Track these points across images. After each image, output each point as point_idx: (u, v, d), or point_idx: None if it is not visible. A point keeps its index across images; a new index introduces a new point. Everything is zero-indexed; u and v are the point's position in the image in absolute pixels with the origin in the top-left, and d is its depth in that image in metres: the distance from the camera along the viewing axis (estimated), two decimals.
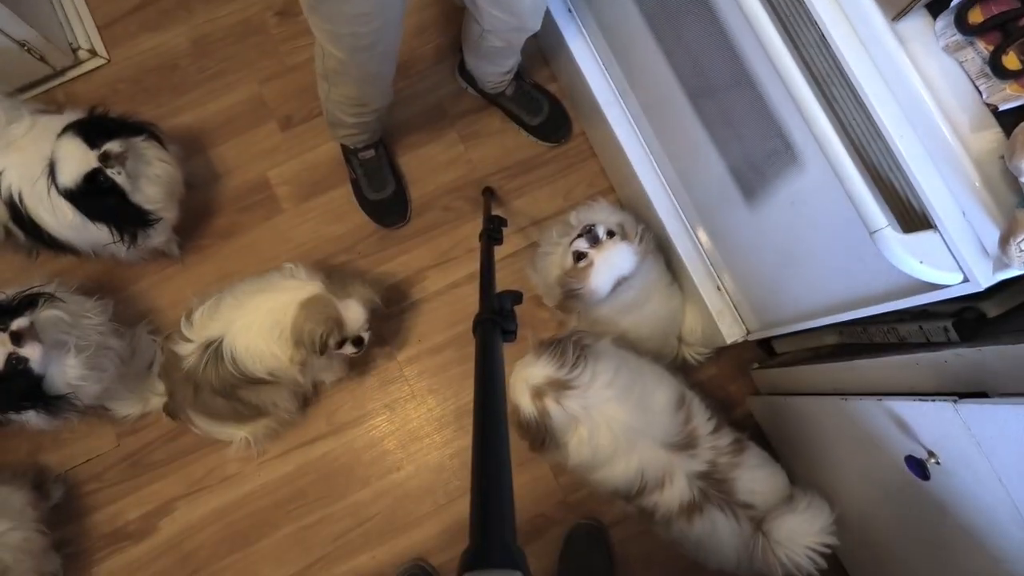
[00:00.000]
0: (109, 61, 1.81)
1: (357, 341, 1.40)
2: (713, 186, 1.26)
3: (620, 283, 1.34)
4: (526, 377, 1.16)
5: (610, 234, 1.33)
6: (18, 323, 1.23)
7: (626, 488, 1.20)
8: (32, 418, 1.36)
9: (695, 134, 1.23)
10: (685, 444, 1.19)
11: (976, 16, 0.68)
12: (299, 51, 1.82)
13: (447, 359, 1.71)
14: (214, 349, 1.33)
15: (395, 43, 1.26)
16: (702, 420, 1.24)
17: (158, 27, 1.84)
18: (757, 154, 1.07)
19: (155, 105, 1.79)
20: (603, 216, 1.42)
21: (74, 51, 1.79)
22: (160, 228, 1.50)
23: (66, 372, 1.33)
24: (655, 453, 1.17)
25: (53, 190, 1.31)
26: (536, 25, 1.35)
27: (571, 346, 1.18)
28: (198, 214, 1.73)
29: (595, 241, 1.32)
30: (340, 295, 1.34)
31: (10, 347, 1.22)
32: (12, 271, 1.67)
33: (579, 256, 1.32)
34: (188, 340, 1.37)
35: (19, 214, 1.40)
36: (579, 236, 1.33)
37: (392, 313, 1.70)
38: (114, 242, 1.43)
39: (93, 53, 1.80)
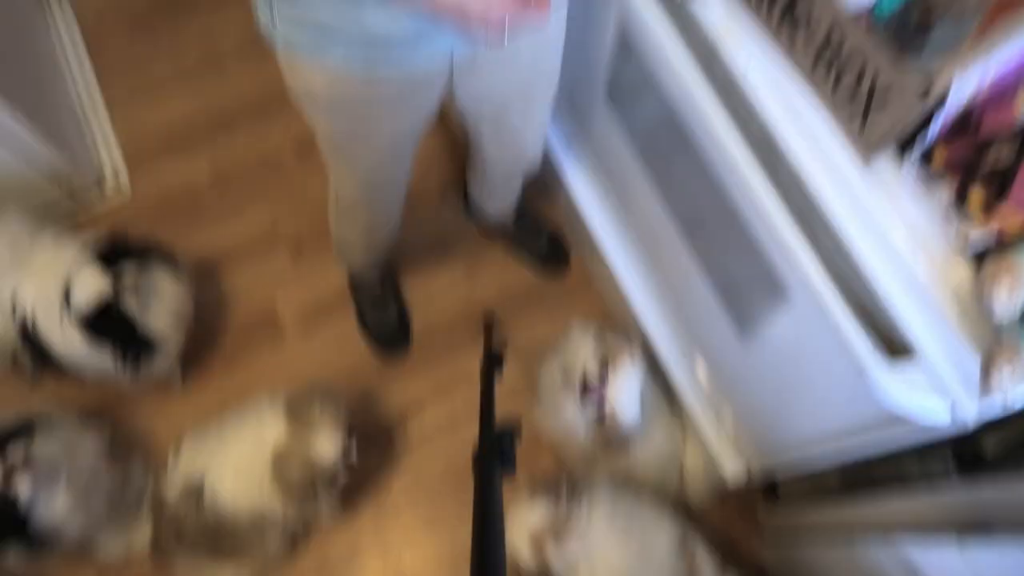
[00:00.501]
0: (132, 189, 1.91)
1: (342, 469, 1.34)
2: (707, 319, 1.28)
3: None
4: (523, 523, 1.12)
5: (603, 369, 1.33)
6: (11, 457, 1.22)
7: None
8: (12, 559, 1.31)
9: (688, 267, 1.27)
10: None
11: (940, 159, 0.73)
12: (314, 184, 1.92)
13: (445, 493, 1.66)
14: (197, 490, 1.30)
15: (406, 180, 1.34)
16: (706, 564, 1.18)
17: (182, 159, 1.96)
18: (747, 288, 1.10)
19: (172, 232, 1.86)
20: (583, 354, 1.41)
21: (100, 181, 1.89)
22: (164, 355, 1.51)
23: (54, 506, 1.28)
24: None
25: (65, 314, 1.34)
26: (536, 162, 1.43)
27: (565, 487, 1.15)
28: (203, 340, 1.75)
29: (599, 391, 1.32)
30: (309, 427, 1.30)
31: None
32: (12, 396, 1.67)
33: (599, 411, 1.33)
34: (173, 479, 1.34)
35: (29, 337, 1.43)
36: (583, 393, 1.33)
37: (389, 445, 1.67)
38: (116, 368, 1.44)
39: (117, 182, 1.90)
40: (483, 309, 1.80)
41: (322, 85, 0.95)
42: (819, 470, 1.26)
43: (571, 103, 1.57)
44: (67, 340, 1.39)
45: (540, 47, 1.07)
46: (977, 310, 0.68)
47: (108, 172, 1.91)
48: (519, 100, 1.16)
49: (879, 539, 1.00)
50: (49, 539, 1.30)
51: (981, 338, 0.68)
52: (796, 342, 1.02)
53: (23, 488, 1.21)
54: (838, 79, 0.75)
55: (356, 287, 1.77)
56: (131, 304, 1.36)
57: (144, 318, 1.41)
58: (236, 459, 1.29)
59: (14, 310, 1.41)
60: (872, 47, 0.67)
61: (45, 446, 1.31)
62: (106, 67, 2.09)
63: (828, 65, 0.75)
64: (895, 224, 0.74)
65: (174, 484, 1.33)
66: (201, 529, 1.32)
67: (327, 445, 1.28)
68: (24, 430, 1.30)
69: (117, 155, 1.94)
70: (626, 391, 1.32)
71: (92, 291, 1.33)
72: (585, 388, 1.33)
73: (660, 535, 1.18)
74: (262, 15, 0.89)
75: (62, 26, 2.10)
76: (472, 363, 1.73)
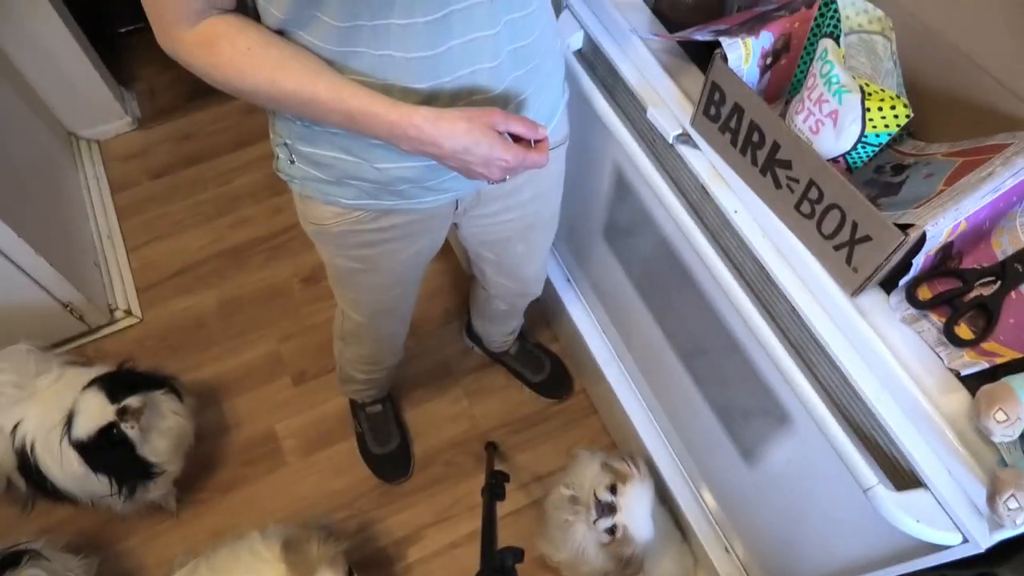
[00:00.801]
0: (141, 320, 1.96)
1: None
2: (712, 445, 1.29)
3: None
4: None
5: (612, 490, 1.32)
6: None
7: None
8: None
9: (690, 394, 1.29)
10: None
11: (924, 294, 0.77)
12: (319, 312, 1.97)
13: None
14: None
15: (411, 307, 1.38)
16: None
17: (191, 291, 2.02)
18: (749, 415, 1.11)
19: (178, 360, 1.89)
20: (591, 476, 1.40)
21: (111, 311, 1.94)
22: (161, 481, 1.50)
23: None
24: None
25: (65, 441, 1.34)
26: (538, 291, 1.48)
27: None
28: (201, 466, 1.73)
29: (611, 509, 1.31)
30: (307, 567, 1.25)
31: None
32: (3, 524, 1.63)
33: (611, 531, 1.31)
34: None
35: (26, 463, 1.42)
36: (597, 518, 1.32)
37: (389, 574, 1.62)
38: (111, 495, 1.42)
39: (128, 313, 1.95)
40: (485, 435, 1.80)
41: (333, 222, 0.99)
42: None
43: (571, 237, 1.65)
44: (64, 466, 1.38)
45: (541, 185, 1.13)
46: (979, 436, 0.70)
47: (120, 302, 1.97)
48: (521, 234, 1.22)
49: None
50: None
51: (985, 464, 0.69)
52: (802, 468, 1.02)
53: None
54: (820, 223, 0.81)
55: (357, 413, 1.77)
56: (132, 432, 1.37)
57: (144, 445, 1.41)
58: None
59: (14, 436, 1.41)
60: (849, 196, 0.73)
61: (32, 574, 1.27)
62: (127, 205, 2.20)
63: (811, 211, 0.81)
64: (889, 353, 0.77)
65: None
66: None
67: None
68: (11, 561, 1.27)
69: (130, 286, 2.01)
70: (637, 508, 1.32)
71: (94, 419, 1.34)
72: (599, 507, 1.32)
73: None
74: (280, 154, 0.95)
75: (89, 169, 2.24)
76: (474, 489, 1.73)
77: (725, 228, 0.95)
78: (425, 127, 0.74)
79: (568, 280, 1.72)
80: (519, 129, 0.79)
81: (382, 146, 0.82)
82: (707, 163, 0.95)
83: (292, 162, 0.93)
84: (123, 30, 2.55)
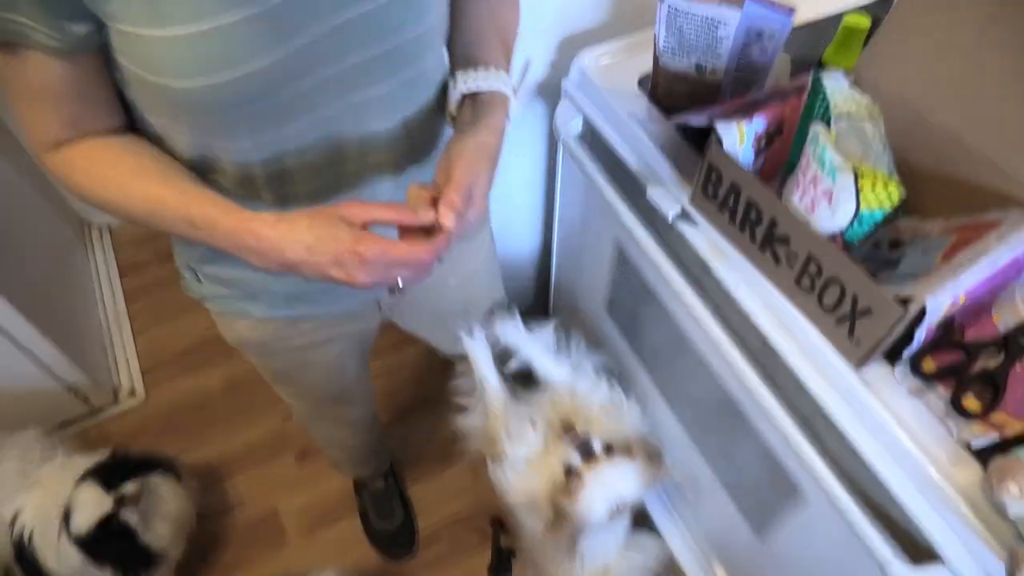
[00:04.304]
0: (146, 400, 1.95)
1: None
2: (722, 521, 1.27)
3: (620, 510, 1.15)
4: None
5: (608, 449, 1.15)
6: None
7: None
8: None
9: (699, 469, 1.28)
10: None
11: (929, 365, 0.78)
12: None
13: None
14: None
15: (364, 392, 1.36)
16: None
17: (197, 370, 2.02)
18: (760, 488, 1.10)
19: (181, 440, 1.88)
20: (604, 423, 1.21)
21: (115, 393, 1.94)
22: (163, 567, 1.47)
23: None
24: None
25: (63, 536, 1.32)
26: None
27: None
28: (203, 547, 1.70)
29: (589, 455, 1.13)
30: None
31: None
32: None
33: (569, 471, 1.13)
34: None
35: (24, 553, 1.39)
36: (572, 447, 1.14)
37: None
38: None
39: (132, 394, 1.95)
40: (490, 509, 1.77)
41: (251, 334, 0.99)
42: None
43: (574, 314, 1.67)
44: (62, 558, 1.36)
45: (467, 266, 1.09)
46: (993, 509, 0.70)
47: (125, 383, 1.97)
48: (459, 317, 1.18)
49: None
50: None
51: (1002, 539, 0.69)
52: (816, 544, 1.01)
53: None
54: (821, 296, 0.82)
55: (360, 490, 1.76)
56: (132, 519, 1.35)
57: (145, 532, 1.39)
58: None
59: (13, 527, 1.39)
60: (848, 270, 0.75)
61: None
62: (135, 288, 2.23)
63: (811, 285, 0.83)
64: (897, 425, 0.77)
65: None
66: None
67: None
68: None
69: (135, 367, 2.01)
70: (608, 484, 1.13)
71: (91, 512, 1.32)
72: (580, 445, 1.14)
73: None
74: (186, 275, 0.93)
75: (99, 254, 2.29)
76: (479, 565, 1.69)
77: (727, 303, 0.97)
78: (263, 231, 0.65)
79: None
80: (388, 216, 0.67)
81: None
82: (707, 240, 0.98)
83: (200, 281, 0.92)
84: None
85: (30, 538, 1.38)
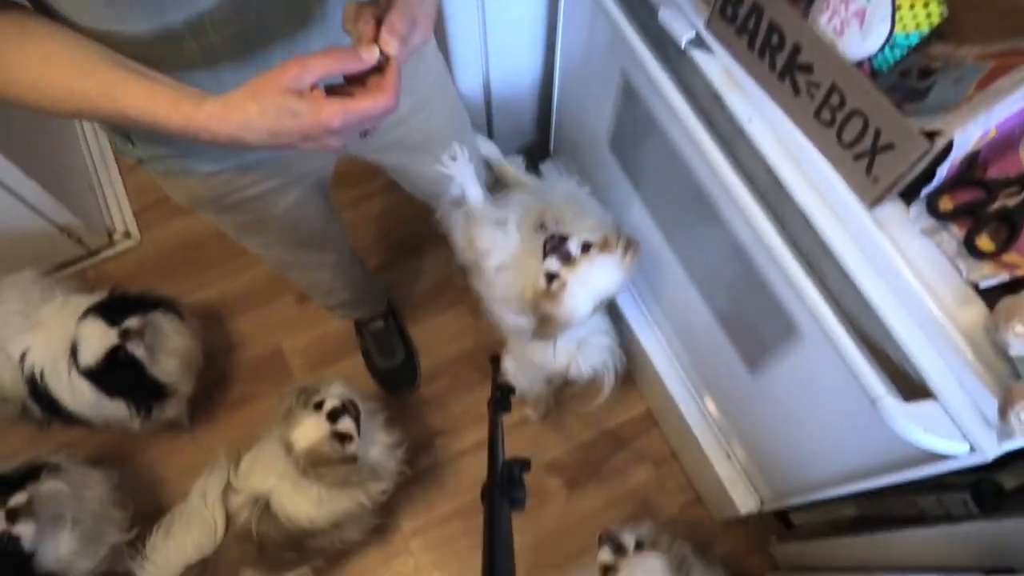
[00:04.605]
0: (141, 242, 1.94)
1: (342, 412, 1.28)
2: (716, 356, 1.29)
3: (602, 304, 1.18)
4: None
5: (585, 247, 1.14)
6: (15, 499, 1.22)
7: None
8: None
9: (695, 304, 1.29)
10: None
11: (946, 204, 0.75)
12: None
13: (453, 531, 1.66)
14: (263, 505, 1.30)
15: (335, 235, 1.31)
16: None
17: (189, 212, 1.96)
18: (756, 326, 1.11)
19: (180, 281, 1.88)
20: (578, 223, 1.21)
21: (109, 234, 1.91)
22: (175, 400, 1.52)
23: (58, 548, 1.29)
24: None
25: (74, 371, 1.35)
26: None
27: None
28: (211, 384, 1.76)
29: (567, 258, 1.13)
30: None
31: (3, 524, 1.20)
32: (22, 442, 1.68)
33: (550, 277, 1.13)
34: (236, 491, 1.34)
35: (37, 390, 1.44)
36: (548, 253, 1.13)
37: (397, 483, 1.66)
38: (130, 417, 1.44)
39: (127, 236, 1.93)
40: (490, 348, 1.81)
41: (200, 190, 0.93)
42: (834, 500, 1.26)
43: (575, 152, 1.60)
44: (76, 393, 1.40)
45: (419, 92, 1.03)
46: (993, 349, 0.70)
47: (118, 225, 1.95)
48: (413, 154, 1.14)
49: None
50: None
51: (998, 377, 0.69)
52: (808, 379, 1.03)
53: (27, 531, 1.21)
54: (841, 130, 0.77)
55: (361, 330, 1.79)
56: (139, 351, 1.38)
57: (154, 366, 1.43)
58: (288, 473, 1.29)
59: (23, 365, 1.42)
60: (874, 101, 0.69)
61: (51, 490, 1.32)
62: None
63: (831, 118, 0.77)
64: (905, 265, 0.76)
65: (238, 498, 1.33)
66: (284, 538, 1.32)
67: (336, 389, 1.32)
68: (30, 475, 1.31)
69: (127, 208, 1.98)
70: (590, 282, 1.13)
71: (97, 345, 1.35)
72: (554, 245, 1.14)
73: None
74: (116, 140, 0.86)
75: None
76: (479, 401, 1.74)
77: (738, 137, 0.91)
78: (216, 128, 0.61)
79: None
80: (332, 68, 0.61)
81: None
82: (721, 68, 0.91)
83: (133, 144, 0.85)
84: None
85: (41, 376, 1.42)
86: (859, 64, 0.77)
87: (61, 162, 1.86)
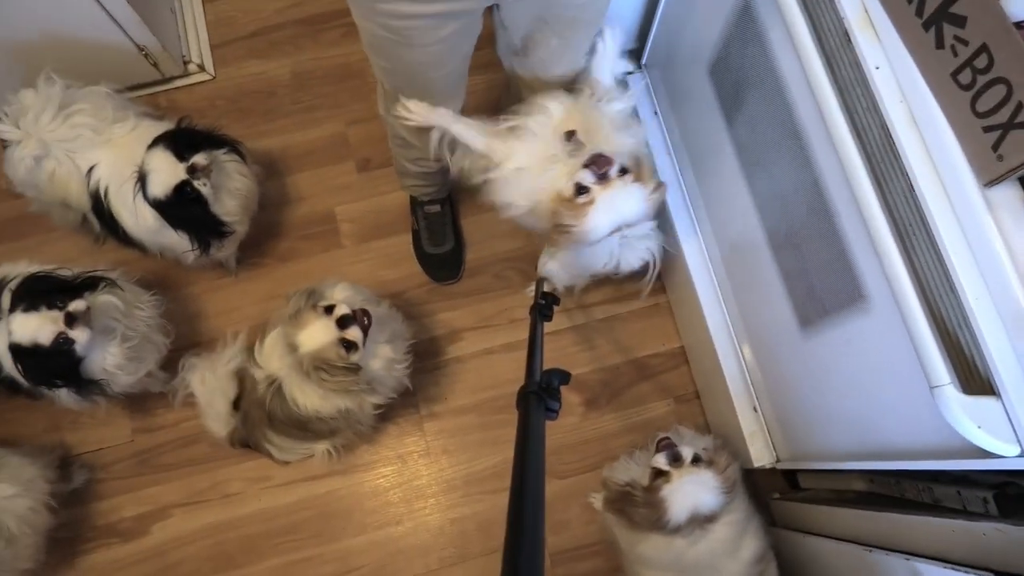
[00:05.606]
0: (214, 78, 1.92)
1: (351, 320, 1.27)
2: (769, 307, 1.26)
3: (620, 229, 1.16)
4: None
5: (623, 171, 1.11)
6: (75, 305, 1.27)
7: None
8: (63, 396, 1.39)
9: (759, 248, 1.24)
10: None
11: None
12: None
13: (468, 423, 1.70)
14: (276, 387, 1.35)
15: (454, 94, 1.29)
16: None
17: (265, 56, 1.95)
18: (823, 287, 1.07)
19: (246, 125, 1.88)
20: (610, 143, 1.16)
21: (185, 63, 1.90)
22: (229, 242, 1.55)
23: (106, 359, 1.36)
24: None
25: (139, 197, 1.37)
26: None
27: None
28: (262, 234, 1.78)
29: (604, 177, 1.09)
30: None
31: (61, 326, 1.25)
32: (78, 252, 1.74)
33: (581, 189, 1.10)
34: (259, 367, 1.39)
35: (100, 206, 1.47)
36: (587, 166, 1.09)
37: (423, 367, 1.70)
38: (191, 249, 1.47)
39: (201, 68, 1.92)
40: (537, 255, 1.80)
41: None
42: (849, 472, 1.26)
43: (668, 67, 1.52)
44: (138, 217, 1.43)
45: None
46: None
47: (194, 55, 1.93)
48: (556, 28, 1.14)
49: (900, 557, 1.01)
50: (97, 386, 1.38)
51: None
52: (864, 352, 1.00)
53: (82, 336, 1.27)
54: (977, 97, 0.71)
55: (416, 210, 1.77)
56: (205, 189, 1.39)
57: (216, 204, 1.44)
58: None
59: (89, 178, 1.45)
60: None
61: (107, 303, 1.37)
62: None
63: (971, 81, 0.71)
64: (1007, 254, 0.71)
65: (260, 373, 1.38)
66: (290, 419, 1.38)
67: (342, 292, 1.34)
68: (89, 284, 1.36)
69: (204, 40, 1.96)
70: (617, 205, 1.11)
71: (167, 177, 1.35)
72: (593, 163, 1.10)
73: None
74: None
75: None
76: (517, 304, 1.76)
77: (859, 84, 0.85)
78: None
79: (656, 113, 1.62)
80: None
81: None
82: (859, 3, 0.83)
83: None
84: None
85: (106, 193, 1.45)
86: (1020, 25, 0.70)
87: None
